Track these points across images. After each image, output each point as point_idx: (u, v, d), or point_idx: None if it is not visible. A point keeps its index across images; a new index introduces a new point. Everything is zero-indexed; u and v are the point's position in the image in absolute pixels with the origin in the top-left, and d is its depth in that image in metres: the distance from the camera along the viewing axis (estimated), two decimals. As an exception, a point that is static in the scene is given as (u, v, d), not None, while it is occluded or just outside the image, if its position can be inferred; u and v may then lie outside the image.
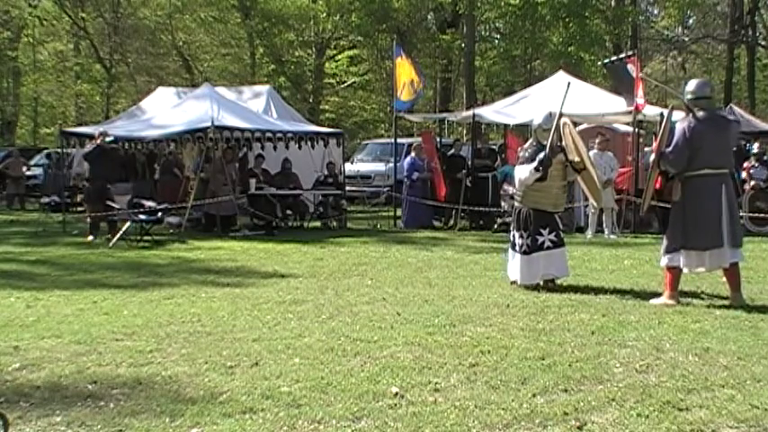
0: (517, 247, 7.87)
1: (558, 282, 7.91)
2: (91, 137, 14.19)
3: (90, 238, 12.83)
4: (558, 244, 7.80)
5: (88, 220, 13.47)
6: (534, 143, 8.04)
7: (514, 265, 7.94)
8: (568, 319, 6.23)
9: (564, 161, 7.90)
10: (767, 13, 36.08)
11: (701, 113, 6.90)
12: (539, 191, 7.81)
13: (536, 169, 7.69)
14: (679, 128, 6.92)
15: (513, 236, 8.01)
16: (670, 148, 6.90)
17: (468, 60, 27.54)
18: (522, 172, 7.88)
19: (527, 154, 7.95)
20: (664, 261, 7.08)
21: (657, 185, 12.78)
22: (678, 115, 7.99)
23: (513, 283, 7.96)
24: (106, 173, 13.00)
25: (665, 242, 7.09)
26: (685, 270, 7.09)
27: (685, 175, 6.87)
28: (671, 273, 7.01)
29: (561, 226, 8.13)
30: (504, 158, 15.56)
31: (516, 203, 8.09)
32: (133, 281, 8.60)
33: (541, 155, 7.69)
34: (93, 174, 13.29)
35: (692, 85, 7.15)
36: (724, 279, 7.29)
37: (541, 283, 7.81)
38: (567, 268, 7.95)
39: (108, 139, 13.10)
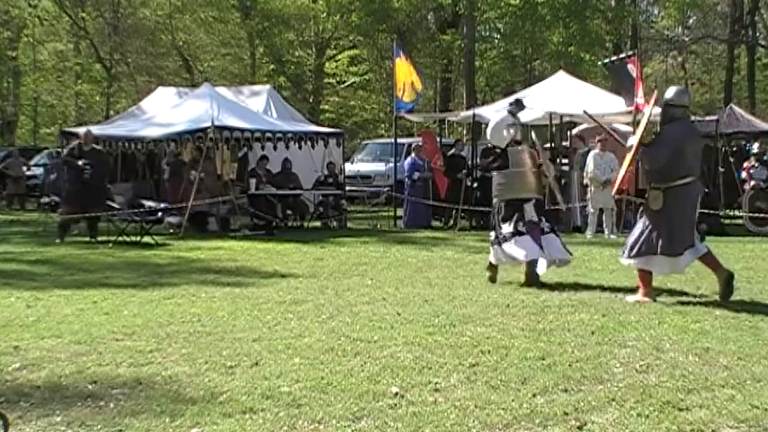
0: (493, 237, 8.28)
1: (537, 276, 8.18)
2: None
3: (57, 240, 12.45)
4: (524, 232, 8.07)
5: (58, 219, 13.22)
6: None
7: (493, 252, 8.32)
8: (568, 319, 6.23)
9: (531, 146, 8.39)
10: (767, 13, 36.06)
11: (680, 121, 7.05)
12: (513, 179, 8.19)
13: (497, 166, 8.19)
14: (662, 132, 7.15)
15: (493, 227, 8.44)
16: (651, 145, 7.07)
17: (469, 60, 27.54)
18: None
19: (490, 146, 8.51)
20: (630, 262, 7.17)
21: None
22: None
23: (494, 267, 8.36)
24: (79, 179, 12.72)
25: (632, 245, 7.11)
26: (656, 274, 7.19)
27: (670, 185, 6.94)
28: (643, 272, 7.10)
29: (535, 216, 8.22)
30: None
31: (494, 200, 8.41)
32: (133, 281, 8.59)
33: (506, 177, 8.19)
34: (69, 177, 13.26)
35: (670, 92, 7.23)
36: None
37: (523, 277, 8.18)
38: (536, 253, 8.10)
39: (87, 172, 12.62)
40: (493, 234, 8.30)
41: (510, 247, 8.05)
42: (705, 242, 7.55)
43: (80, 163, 12.66)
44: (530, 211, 8.12)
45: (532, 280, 8.06)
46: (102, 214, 12.89)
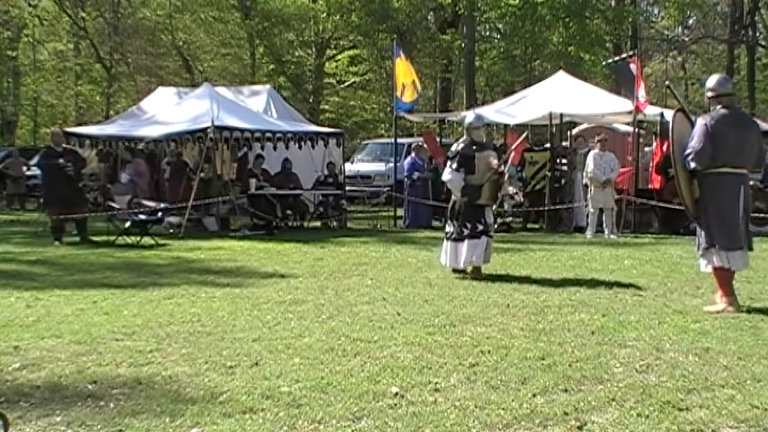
0: (447, 234, 8.69)
1: (482, 270, 8.55)
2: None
3: (56, 243, 12.28)
4: (482, 233, 8.45)
5: (49, 224, 12.99)
6: (468, 140, 8.77)
7: (444, 249, 8.72)
8: (568, 319, 6.23)
9: (489, 158, 8.63)
10: (767, 13, 36.06)
11: (722, 110, 6.67)
12: (480, 185, 8.53)
13: (461, 195, 8.55)
14: (700, 123, 6.66)
15: (446, 224, 8.81)
16: (693, 143, 6.60)
17: (469, 60, 27.54)
18: (453, 183, 8.63)
19: (459, 148, 8.71)
20: (703, 265, 6.79)
21: (658, 185, 12.78)
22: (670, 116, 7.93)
23: (453, 270, 8.69)
24: (59, 180, 12.59)
25: (698, 244, 6.82)
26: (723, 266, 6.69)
27: (704, 173, 6.63)
28: (717, 274, 6.70)
29: (491, 219, 8.83)
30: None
31: (456, 198, 8.75)
32: (133, 281, 8.59)
33: (464, 187, 8.48)
34: (45, 180, 13.19)
35: (712, 81, 6.88)
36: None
37: (468, 269, 8.57)
38: (484, 256, 8.54)
39: (69, 169, 12.56)
40: (450, 229, 8.64)
41: (462, 248, 8.46)
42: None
43: (61, 161, 12.57)
44: (489, 215, 8.67)
45: (478, 275, 8.52)
46: (101, 214, 12.84)
